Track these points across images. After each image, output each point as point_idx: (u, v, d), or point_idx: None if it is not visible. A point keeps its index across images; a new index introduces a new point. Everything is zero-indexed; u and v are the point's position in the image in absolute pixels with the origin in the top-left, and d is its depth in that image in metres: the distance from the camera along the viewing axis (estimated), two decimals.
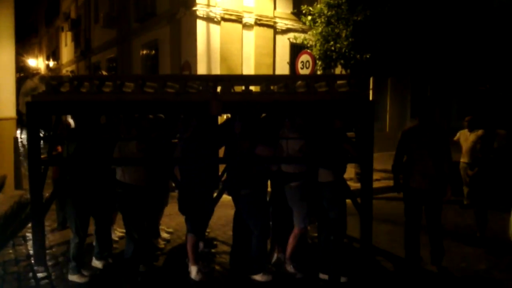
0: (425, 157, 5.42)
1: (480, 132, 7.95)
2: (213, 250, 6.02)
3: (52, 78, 5.46)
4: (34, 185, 4.99)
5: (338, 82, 5.33)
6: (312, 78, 6.44)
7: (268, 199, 5.55)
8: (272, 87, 5.43)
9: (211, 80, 5.39)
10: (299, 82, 5.37)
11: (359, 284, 5.15)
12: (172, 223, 7.27)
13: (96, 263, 5.43)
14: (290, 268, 5.37)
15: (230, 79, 5.64)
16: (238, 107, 5.23)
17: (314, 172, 5.24)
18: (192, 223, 5.24)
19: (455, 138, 8.81)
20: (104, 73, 10.96)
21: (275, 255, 5.66)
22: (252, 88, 5.45)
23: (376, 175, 5.67)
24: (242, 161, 5.19)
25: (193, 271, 5.17)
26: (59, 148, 6.02)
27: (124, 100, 5.06)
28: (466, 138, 8.64)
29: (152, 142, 5.24)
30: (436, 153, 5.40)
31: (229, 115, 5.81)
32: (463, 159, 8.66)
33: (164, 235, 6.56)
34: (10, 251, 5.95)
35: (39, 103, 4.97)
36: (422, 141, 5.46)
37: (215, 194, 5.44)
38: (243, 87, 5.36)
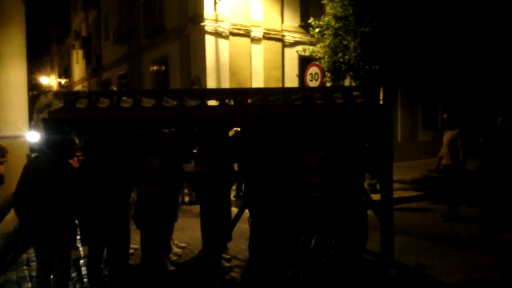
0: None
1: None
2: (227, 264, 5.98)
3: (69, 94, 5.50)
4: None
5: (354, 93, 5.37)
6: (330, 89, 6.48)
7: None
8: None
9: (230, 93, 5.44)
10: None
11: None
12: (184, 237, 7.26)
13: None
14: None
15: (249, 92, 5.69)
16: (259, 120, 5.27)
17: (337, 182, 5.24)
18: (216, 236, 5.25)
19: None
20: (115, 89, 11.04)
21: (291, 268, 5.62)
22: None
23: None
24: (264, 174, 5.20)
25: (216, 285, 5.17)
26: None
27: (144, 116, 5.09)
28: None
29: (173, 156, 5.26)
30: None
31: (238, 129, 5.86)
32: None
33: (176, 249, 6.55)
34: (24, 267, 5.97)
35: (56, 119, 4.96)
36: None
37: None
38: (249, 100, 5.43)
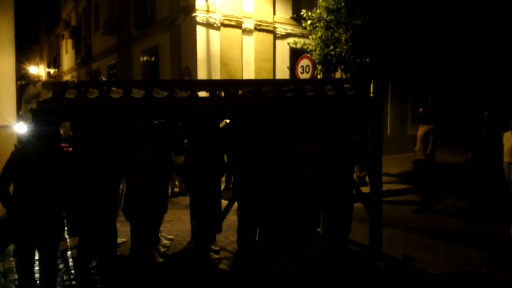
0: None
1: None
2: (216, 256, 5.98)
3: (58, 84, 5.44)
4: None
5: (345, 85, 5.39)
6: (321, 81, 6.49)
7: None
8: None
9: (221, 84, 5.42)
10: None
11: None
12: (172, 229, 7.24)
13: None
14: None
15: (240, 84, 5.67)
16: (250, 111, 5.26)
17: (327, 174, 5.26)
18: (205, 228, 5.26)
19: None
20: (104, 79, 10.98)
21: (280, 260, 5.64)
22: None
23: None
24: (254, 165, 5.20)
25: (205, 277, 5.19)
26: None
27: (135, 106, 5.05)
28: (508, 139, 8.89)
29: (162, 147, 5.24)
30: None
31: (227, 120, 5.85)
32: (505, 159, 8.83)
33: (165, 241, 6.53)
34: (11, 259, 5.93)
35: (44, 109, 4.85)
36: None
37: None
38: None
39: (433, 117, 8.69)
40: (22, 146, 4.41)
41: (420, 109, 9.07)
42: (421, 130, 8.61)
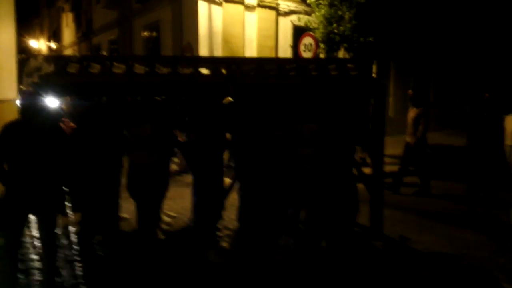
0: None
1: None
2: (218, 233, 6.01)
3: (60, 58, 5.40)
4: None
5: (348, 65, 5.36)
6: (324, 61, 6.44)
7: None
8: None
9: (224, 62, 5.38)
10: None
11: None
12: (175, 206, 7.26)
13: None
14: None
15: (243, 62, 5.63)
16: (253, 90, 5.24)
17: (328, 155, 5.26)
18: (207, 206, 5.28)
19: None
20: (105, 54, 10.88)
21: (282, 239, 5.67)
22: None
23: None
24: (256, 144, 5.20)
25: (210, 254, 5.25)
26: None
27: (138, 82, 5.01)
28: (510, 122, 8.66)
29: (165, 124, 5.22)
30: None
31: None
32: (507, 142, 8.64)
33: (166, 219, 6.56)
34: None
35: (47, 84, 4.81)
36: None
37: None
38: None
39: (423, 99, 8.52)
40: (16, 120, 4.32)
41: (410, 91, 8.90)
42: (411, 113, 8.41)
